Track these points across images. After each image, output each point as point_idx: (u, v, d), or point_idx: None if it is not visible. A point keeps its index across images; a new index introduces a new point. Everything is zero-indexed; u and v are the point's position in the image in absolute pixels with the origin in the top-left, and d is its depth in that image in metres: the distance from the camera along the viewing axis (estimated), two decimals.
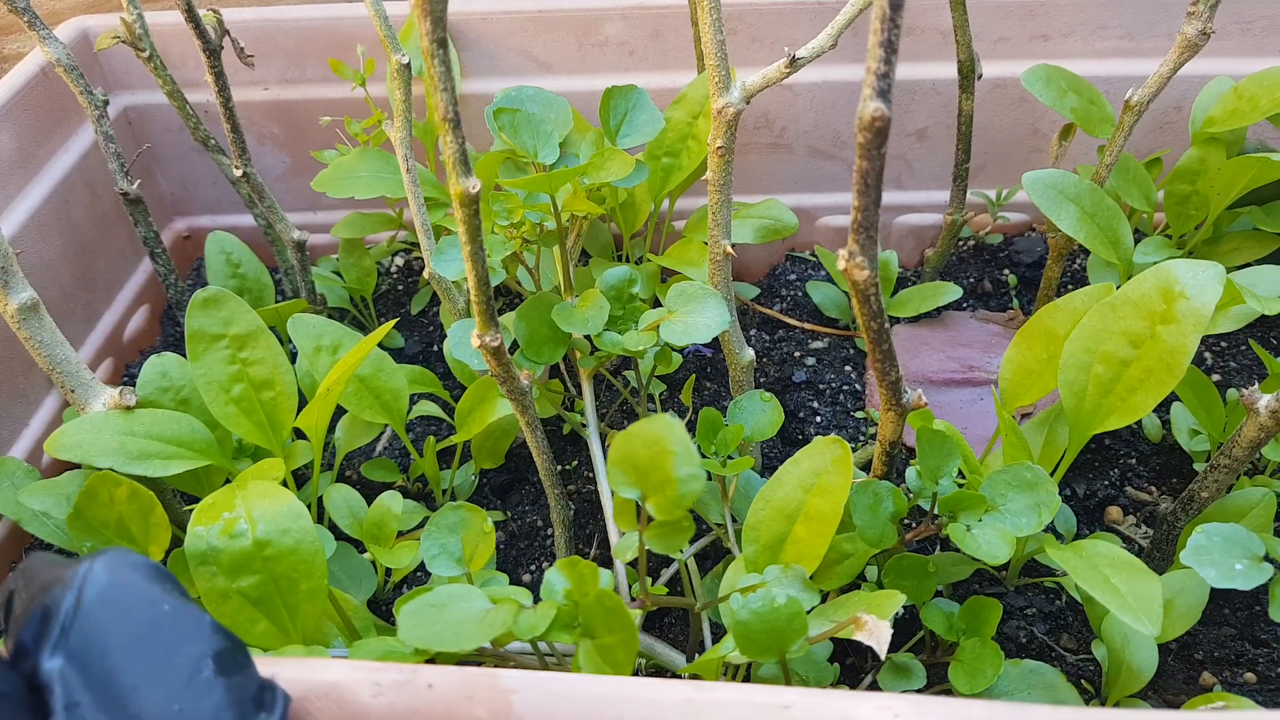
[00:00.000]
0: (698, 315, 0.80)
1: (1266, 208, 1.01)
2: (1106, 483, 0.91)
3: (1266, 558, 0.65)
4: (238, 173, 0.96)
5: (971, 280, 1.14)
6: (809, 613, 0.65)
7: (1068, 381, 0.73)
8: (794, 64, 0.77)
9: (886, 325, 0.62)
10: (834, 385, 1.03)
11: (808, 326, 1.11)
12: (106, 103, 1.00)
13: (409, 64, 0.86)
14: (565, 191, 0.86)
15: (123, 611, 0.42)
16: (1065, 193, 0.87)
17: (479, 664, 0.65)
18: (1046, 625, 0.79)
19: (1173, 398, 0.94)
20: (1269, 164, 0.91)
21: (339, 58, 1.09)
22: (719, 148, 0.81)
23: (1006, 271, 1.13)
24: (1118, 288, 0.73)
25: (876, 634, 0.58)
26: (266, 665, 0.48)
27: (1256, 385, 0.69)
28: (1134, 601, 0.61)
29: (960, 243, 1.17)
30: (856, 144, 0.54)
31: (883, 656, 0.57)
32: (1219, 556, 0.65)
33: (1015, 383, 0.79)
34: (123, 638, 0.42)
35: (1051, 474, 0.78)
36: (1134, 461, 0.92)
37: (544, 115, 0.94)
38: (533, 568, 0.91)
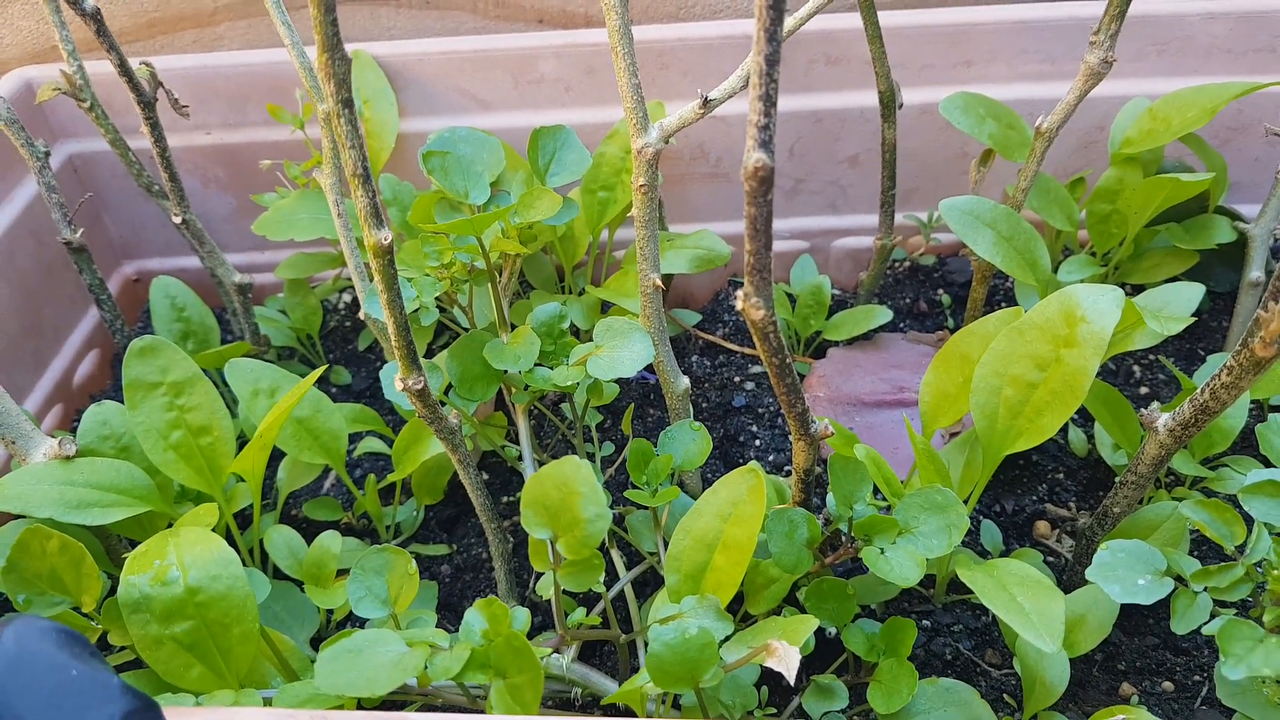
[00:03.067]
0: (623, 350, 0.82)
1: (1185, 224, 1.04)
2: (1035, 498, 0.93)
3: (1169, 572, 0.67)
4: (176, 219, 0.97)
5: (908, 301, 1.16)
6: (729, 639, 0.67)
7: (979, 404, 0.76)
8: (707, 105, 0.80)
9: (788, 360, 0.64)
10: (773, 409, 1.05)
11: (748, 351, 1.13)
12: (48, 154, 1.02)
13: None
14: (494, 231, 0.88)
15: (30, 679, 0.44)
16: (981, 218, 0.89)
17: (404, 704, 0.66)
18: (972, 642, 0.81)
19: None
20: (1180, 184, 0.94)
21: (279, 102, 1.11)
22: (640, 185, 0.83)
23: (941, 291, 1.16)
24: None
25: (786, 660, 0.60)
26: (179, 716, 0.50)
27: (1156, 404, 0.71)
28: (1037, 619, 0.63)
29: (896, 264, 1.20)
30: (745, 191, 0.56)
31: (791, 681, 0.58)
32: (1123, 572, 0.67)
33: (934, 405, 0.82)
34: (31, 704, 0.43)
35: (970, 494, 0.80)
36: (1062, 476, 0.95)
37: (476, 155, 0.96)
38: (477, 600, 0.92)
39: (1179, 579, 0.66)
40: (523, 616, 0.60)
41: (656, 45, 1.10)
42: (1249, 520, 0.66)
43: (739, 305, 0.62)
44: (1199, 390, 0.66)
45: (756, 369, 1.11)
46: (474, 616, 0.59)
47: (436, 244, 0.85)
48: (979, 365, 0.76)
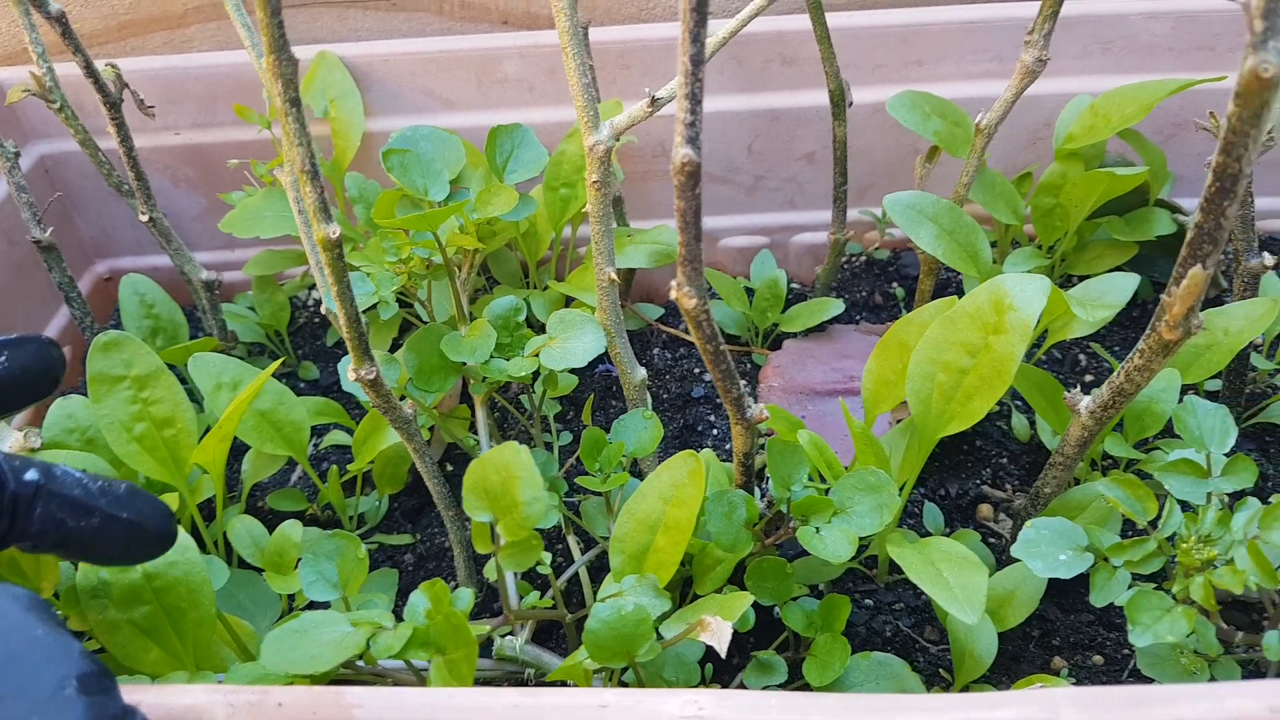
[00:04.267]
0: (576, 341, 0.84)
1: (1127, 217, 1.07)
2: (979, 481, 0.96)
3: (1090, 548, 0.70)
4: (143, 218, 0.99)
5: (864, 294, 1.19)
6: (669, 617, 0.70)
7: (914, 390, 0.79)
8: (655, 104, 0.82)
9: (722, 347, 0.67)
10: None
11: None
12: (18, 154, 1.04)
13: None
14: (451, 226, 0.91)
15: None
16: (924, 212, 0.92)
17: (355, 682, 0.69)
18: (912, 619, 0.84)
19: None
20: (1116, 178, 0.97)
21: (247, 102, 1.13)
22: (594, 182, 0.86)
23: (895, 284, 1.19)
24: None
25: (718, 634, 0.63)
26: (132, 693, 0.52)
27: (1078, 389, 0.74)
28: (960, 593, 0.66)
29: (852, 258, 1.23)
30: (674, 186, 0.59)
31: (722, 654, 0.61)
32: (1045, 548, 0.70)
33: (875, 392, 0.85)
34: None
35: (910, 476, 0.83)
36: (1005, 461, 0.98)
37: (436, 154, 0.99)
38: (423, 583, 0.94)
39: (1100, 555, 0.70)
40: (466, 597, 0.62)
41: (617, 46, 1.13)
42: (1164, 498, 0.69)
43: (673, 295, 0.65)
44: (1115, 374, 0.69)
45: None
46: (418, 598, 0.62)
47: (394, 239, 0.88)
48: (914, 352, 0.79)
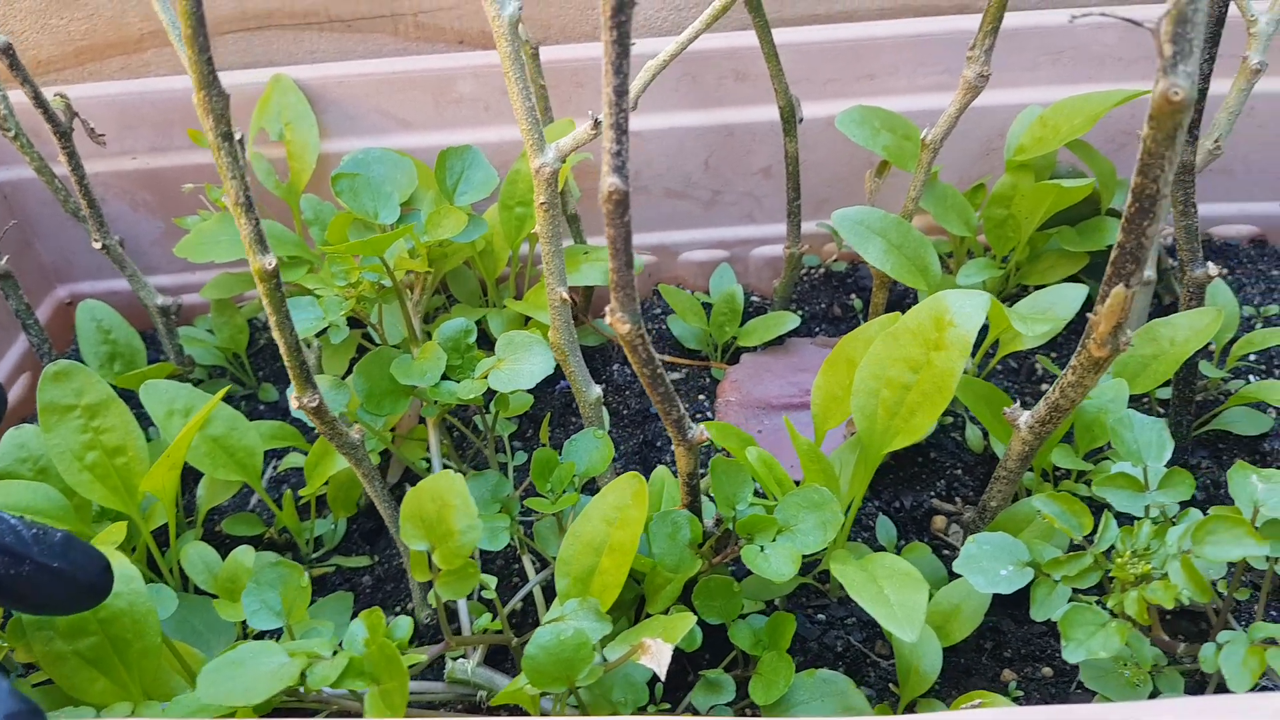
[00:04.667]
0: (524, 363, 0.85)
1: (1079, 227, 1.08)
2: (933, 493, 0.97)
3: (1031, 563, 0.71)
4: (97, 245, 0.99)
5: (823, 306, 1.20)
6: (613, 639, 0.70)
7: (859, 406, 0.79)
8: (598, 126, 0.83)
9: (659, 370, 0.67)
10: (689, 414, 1.08)
11: (667, 359, 1.16)
12: None
13: (241, 138, 0.91)
14: (400, 249, 0.91)
15: None
16: (871, 227, 0.93)
17: (298, 711, 0.69)
18: (864, 634, 0.84)
19: None
20: (1064, 190, 0.98)
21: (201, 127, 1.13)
22: (542, 203, 0.86)
23: (854, 296, 1.20)
24: None
25: (658, 656, 0.63)
26: None
27: (1018, 404, 0.75)
28: (900, 610, 0.67)
29: (811, 271, 1.24)
30: (604, 213, 0.59)
31: (661, 677, 0.62)
32: (987, 564, 0.71)
33: (824, 407, 0.85)
34: None
35: (858, 492, 0.83)
36: (960, 472, 0.99)
37: (388, 176, 0.99)
38: (397, 609, 0.95)
39: (1041, 570, 0.70)
40: (404, 626, 0.62)
41: (572, 64, 1.14)
42: (1099, 511, 0.70)
43: (608, 320, 0.65)
44: (1051, 389, 0.70)
45: (674, 375, 1.15)
46: (357, 626, 0.62)
47: (343, 264, 0.88)
48: (859, 369, 0.79)
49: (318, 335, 1.05)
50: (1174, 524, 0.69)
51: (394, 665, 0.56)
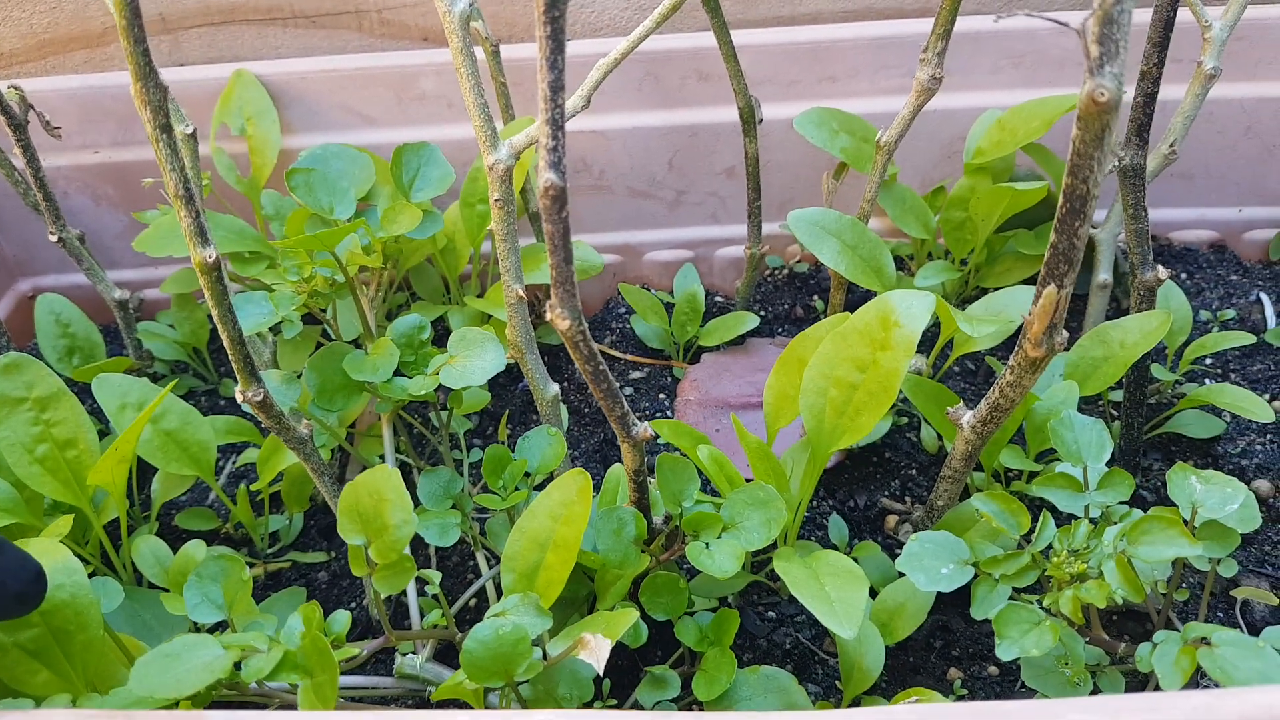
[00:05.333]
0: (476, 360, 0.85)
1: (1036, 230, 1.09)
2: (887, 493, 0.97)
3: (972, 561, 0.72)
4: (53, 238, 0.99)
5: (786, 306, 1.21)
6: (557, 634, 0.70)
7: (808, 405, 0.80)
8: None
9: (602, 367, 0.67)
10: (649, 413, 1.09)
11: (629, 358, 1.17)
12: None
13: (194, 133, 0.91)
14: (352, 244, 0.91)
15: None
16: (827, 228, 0.93)
17: (243, 705, 0.69)
18: (813, 631, 0.85)
19: None
20: (1018, 193, 0.99)
21: None
22: (496, 200, 0.86)
23: (816, 297, 1.20)
24: None
25: (596, 652, 0.64)
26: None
27: (961, 404, 0.76)
28: (839, 608, 0.67)
29: (775, 272, 1.24)
30: (541, 209, 0.59)
31: (600, 672, 0.62)
32: (928, 561, 0.71)
33: (776, 407, 0.86)
34: None
35: (807, 490, 0.84)
36: (914, 472, 0.99)
37: (345, 172, 0.99)
38: (352, 605, 0.95)
39: (978, 568, 0.71)
40: (341, 619, 0.63)
41: (535, 63, 1.13)
42: (1037, 511, 0.71)
43: (548, 316, 0.65)
44: (991, 389, 0.71)
45: (635, 374, 1.15)
46: (294, 620, 0.62)
47: (296, 259, 0.88)
48: (807, 369, 0.80)
49: (273, 332, 1.05)
50: (1114, 524, 0.70)
51: (325, 658, 0.56)
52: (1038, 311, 0.61)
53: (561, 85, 0.57)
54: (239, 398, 0.72)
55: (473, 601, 0.91)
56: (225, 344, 0.69)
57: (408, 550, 0.64)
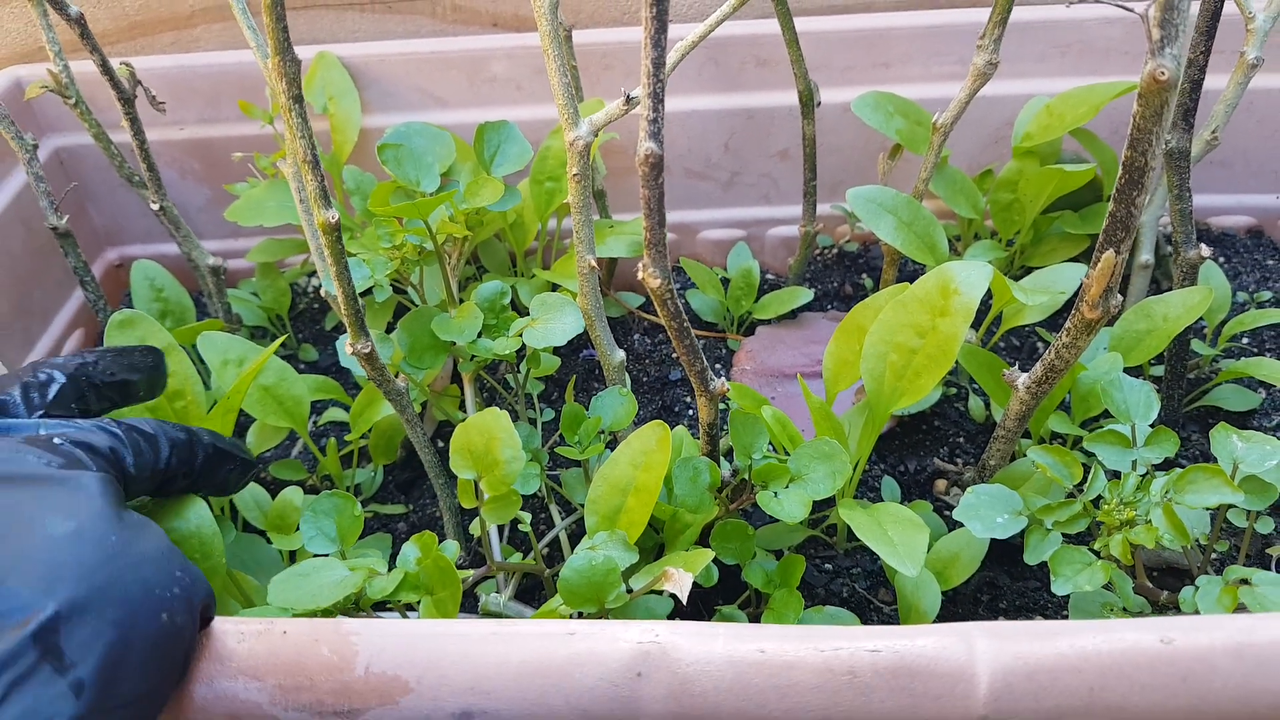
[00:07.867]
0: (556, 322, 0.91)
1: (1081, 212, 1.14)
2: (937, 458, 1.03)
3: (1025, 512, 0.77)
4: (154, 207, 1.06)
5: (835, 284, 1.26)
6: (637, 570, 0.76)
7: (869, 369, 0.85)
8: (629, 102, 0.89)
9: (686, 324, 0.73)
10: None
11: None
12: (36, 146, 1.10)
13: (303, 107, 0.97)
14: (441, 214, 0.97)
15: None
16: (884, 205, 0.99)
17: None
18: (868, 582, 0.91)
19: None
20: (1066, 175, 1.04)
21: (250, 99, 1.19)
22: (574, 175, 0.92)
23: (865, 275, 1.26)
24: None
25: (679, 583, 0.69)
26: None
27: (1016, 365, 0.81)
28: (902, 549, 0.72)
29: (825, 251, 1.29)
30: (640, 176, 0.65)
31: (683, 601, 0.68)
32: (984, 512, 0.77)
33: (835, 372, 0.91)
34: None
35: (865, 449, 0.89)
36: (962, 440, 1.04)
37: (428, 148, 1.05)
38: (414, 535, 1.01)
39: (1034, 518, 0.76)
40: (452, 548, 0.69)
41: (600, 48, 1.19)
42: (1085, 472, 0.76)
43: (640, 276, 0.71)
44: (1047, 351, 0.76)
45: None
46: (409, 548, 0.68)
47: (389, 227, 0.94)
48: (869, 334, 0.85)
49: (362, 295, 1.11)
50: (1160, 478, 0.75)
51: (448, 575, 0.62)
52: (1096, 275, 0.66)
53: (663, 62, 0.63)
54: (347, 349, 0.78)
55: (545, 550, 0.97)
56: (340, 299, 0.75)
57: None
